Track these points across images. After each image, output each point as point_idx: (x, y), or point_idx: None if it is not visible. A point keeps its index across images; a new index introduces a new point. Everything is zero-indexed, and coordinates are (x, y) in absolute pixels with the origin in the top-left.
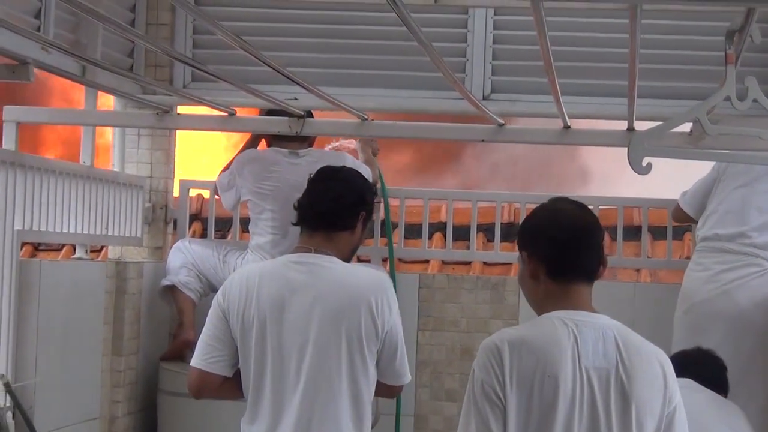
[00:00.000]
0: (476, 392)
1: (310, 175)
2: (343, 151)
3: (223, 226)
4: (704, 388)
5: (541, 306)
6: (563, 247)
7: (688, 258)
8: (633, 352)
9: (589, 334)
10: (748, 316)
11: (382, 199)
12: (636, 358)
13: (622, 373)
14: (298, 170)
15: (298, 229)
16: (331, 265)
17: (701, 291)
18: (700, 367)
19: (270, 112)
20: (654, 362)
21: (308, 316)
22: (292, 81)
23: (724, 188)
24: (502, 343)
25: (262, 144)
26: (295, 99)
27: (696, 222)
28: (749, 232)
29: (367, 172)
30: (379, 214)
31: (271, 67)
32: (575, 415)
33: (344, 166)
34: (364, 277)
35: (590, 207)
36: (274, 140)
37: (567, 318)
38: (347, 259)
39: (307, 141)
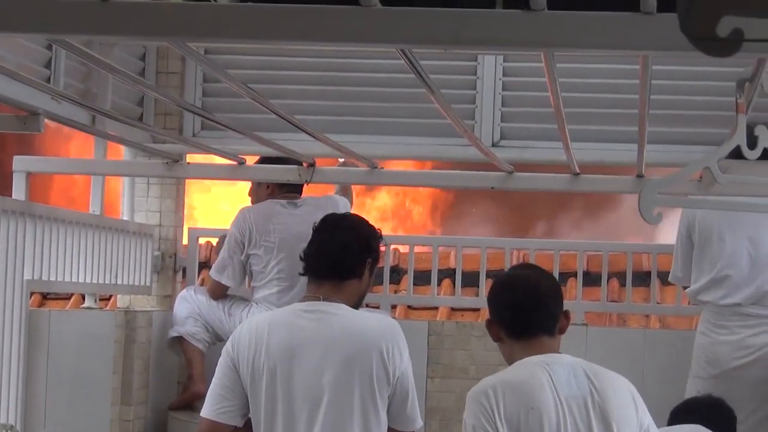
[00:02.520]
0: None
1: (315, 223)
2: (335, 196)
3: None
4: None
5: (512, 362)
6: (515, 309)
7: (697, 304)
8: (603, 379)
9: (561, 369)
10: None
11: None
12: (606, 384)
13: (597, 398)
14: (298, 220)
15: (304, 279)
16: (340, 312)
17: (732, 357)
18: (711, 413)
19: (266, 160)
20: (623, 388)
21: (320, 364)
22: (301, 129)
23: (722, 245)
24: (486, 389)
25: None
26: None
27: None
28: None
29: (347, 205)
30: (389, 260)
31: (279, 115)
32: None
33: (348, 213)
34: (374, 324)
35: (599, 253)
36: (278, 191)
37: (539, 360)
38: (356, 306)
39: (300, 190)
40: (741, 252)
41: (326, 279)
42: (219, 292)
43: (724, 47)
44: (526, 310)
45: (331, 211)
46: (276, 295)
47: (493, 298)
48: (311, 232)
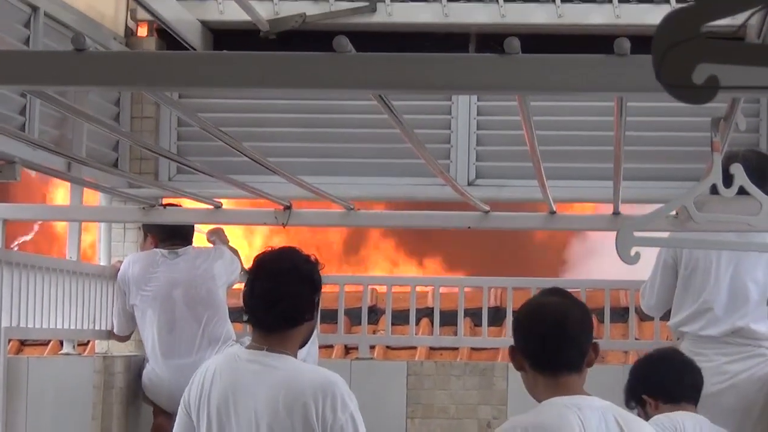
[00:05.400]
0: None
1: (244, 271)
2: (222, 246)
3: None
4: None
5: (535, 395)
6: (542, 342)
7: (679, 337)
8: (632, 426)
9: (592, 414)
10: (757, 408)
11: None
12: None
13: None
14: (175, 267)
15: (184, 323)
16: (280, 365)
17: (708, 383)
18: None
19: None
20: None
21: (254, 417)
22: (275, 172)
23: (706, 278)
24: (516, 430)
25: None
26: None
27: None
28: (750, 325)
29: (235, 260)
30: (366, 300)
31: (251, 158)
32: None
33: (284, 252)
34: (309, 378)
35: (576, 290)
36: (161, 241)
37: (569, 403)
38: (304, 344)
39: (190, 239)
40: (723, 285)
41: (275, 330)
42: (114, 338)
43: (699, 94)
44: (554, 345)
45: (213, 261)
46: (158, 343)
47: (519, 327)
48: (187, 278)
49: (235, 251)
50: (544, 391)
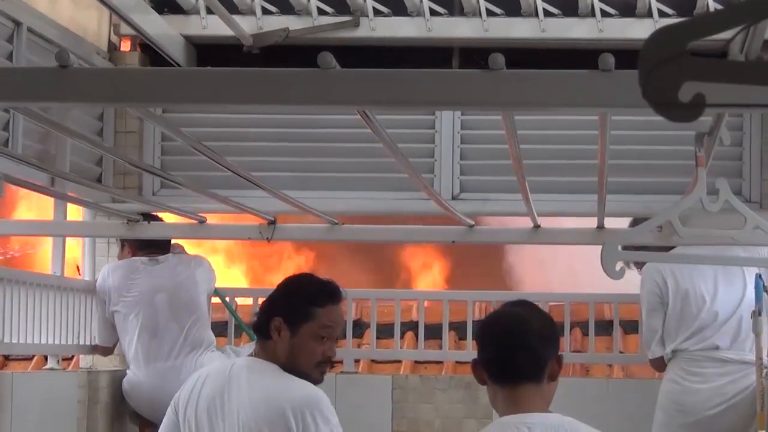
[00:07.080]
0: None
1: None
2: (201, 257)
3: None
4: None
5: (497, 409)
6: (499, 351)
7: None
8: None
9: None
10: (754, 424)
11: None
12: None
13: None
14: (157, 274)
15: (166, 328)
16: (266, 372)
17: (707, 405)
18: None
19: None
20: None
21: (235, 423)
22: (258, 186)
23: (700, 300)
24: None
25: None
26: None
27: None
28: (746, 340)
29: (213, 270)
30: (351, 314)
31: (235, 173)
32: None
33: (300, 273)
34: (292, 390)
35: (561, 303)
36: (139, 249)
37: (518, 422)
38: (288, 366)
39: (168, 248)
40: (716, 298)
41: (258, 338)
42: (99, 351)
43: (686, 113)
44: (509, 355)
45: (194, 268)
46: (141, 348)
47: (479, 338)
48: (170, 284)
49: None
50: (502, 404)
